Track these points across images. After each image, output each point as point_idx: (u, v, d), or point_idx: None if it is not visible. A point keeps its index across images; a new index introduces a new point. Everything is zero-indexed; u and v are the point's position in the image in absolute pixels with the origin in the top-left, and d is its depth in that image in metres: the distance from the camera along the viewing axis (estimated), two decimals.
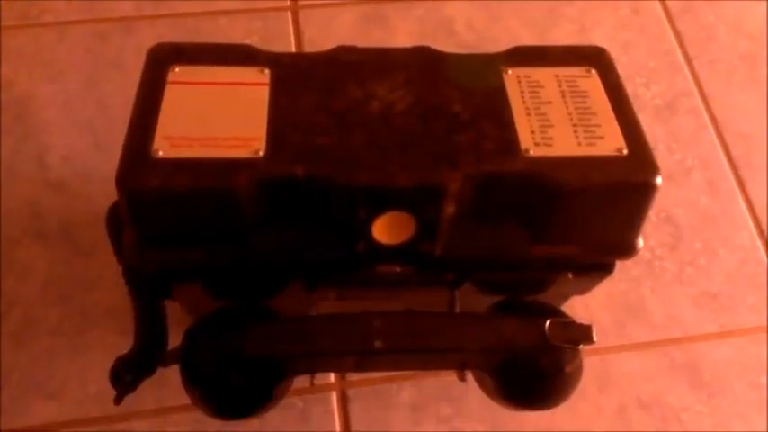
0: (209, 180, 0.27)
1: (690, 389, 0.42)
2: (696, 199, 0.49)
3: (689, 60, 0.56)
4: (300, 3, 0.57)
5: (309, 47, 0.55)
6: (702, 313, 0.45)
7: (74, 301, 0.43)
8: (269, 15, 0.56)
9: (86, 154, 0.48)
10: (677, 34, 0.58)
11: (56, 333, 0.42)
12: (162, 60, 0.31)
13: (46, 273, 0.44)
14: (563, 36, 0.57)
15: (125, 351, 0.33)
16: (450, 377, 0.37)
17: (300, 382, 0.34)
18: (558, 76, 0.33)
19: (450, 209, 0.29)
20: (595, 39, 0.57)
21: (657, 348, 0.43)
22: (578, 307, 0.43)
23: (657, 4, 0.59)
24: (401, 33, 0.56)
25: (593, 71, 0.33)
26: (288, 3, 0.57)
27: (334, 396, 0.40)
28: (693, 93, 0.54)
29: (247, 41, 0.33)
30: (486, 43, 0.56)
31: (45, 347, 0.41)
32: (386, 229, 0.30)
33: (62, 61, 0.53)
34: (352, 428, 0.39)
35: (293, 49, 0.55)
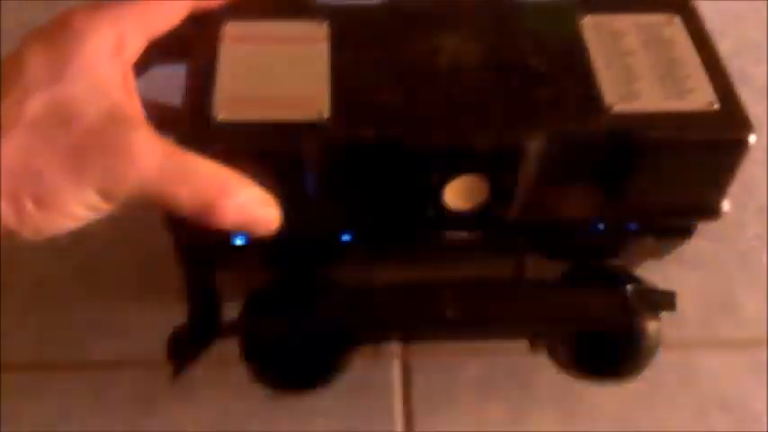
0: (276, 145, 0.26)
1: None
2: None
3: None
4: None
5: None
6: None
7: (142, 244, 0.40)
8: None
9: None
10: None
11: (121, 274, 0.40)
12: (213, 16, 0.29)
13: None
14: None
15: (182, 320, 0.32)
16: (518, 357, 0.35)
17: (362, 350, 0.33)
18: (638, 23, 0.30)
19: (527, 170, 0.27)
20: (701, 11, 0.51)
21: (747, 347, 0.39)
22: None
23: None
24: None
25: (676, 18, 0.31)
26: None
27: (396, 365, 0.39)
28: None
29: None
30: None
31: (110, 287, 0.40)
32: (457, 194, 0.28)
33: None
34: (414, 400, 0.38)
35: None
